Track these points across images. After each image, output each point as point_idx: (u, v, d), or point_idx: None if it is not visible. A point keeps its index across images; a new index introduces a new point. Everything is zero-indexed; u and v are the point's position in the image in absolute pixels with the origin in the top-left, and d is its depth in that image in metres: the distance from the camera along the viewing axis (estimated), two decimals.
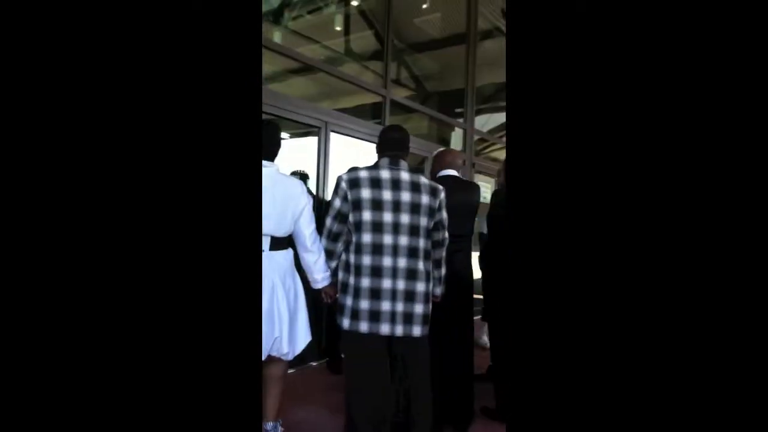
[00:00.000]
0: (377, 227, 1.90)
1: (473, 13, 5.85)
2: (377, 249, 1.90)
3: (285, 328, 2.00)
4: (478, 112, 5.99)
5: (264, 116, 3.24)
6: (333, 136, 3.87)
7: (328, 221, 1.98)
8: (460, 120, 5.76)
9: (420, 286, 1.95)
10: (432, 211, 1.99)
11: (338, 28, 5.10)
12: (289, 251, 2.07)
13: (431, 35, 5.85)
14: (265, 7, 4.28)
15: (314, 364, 3.61)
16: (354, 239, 1.94)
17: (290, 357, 2.07)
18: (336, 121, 3.90)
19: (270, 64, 3.89)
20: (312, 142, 3.92)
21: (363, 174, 1.95)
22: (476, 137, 5.93)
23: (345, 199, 1.93)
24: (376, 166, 1.99)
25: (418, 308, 1.95)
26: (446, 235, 2.10)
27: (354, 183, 1.93)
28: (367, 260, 1.91)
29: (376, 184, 1.92)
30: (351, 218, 1.94)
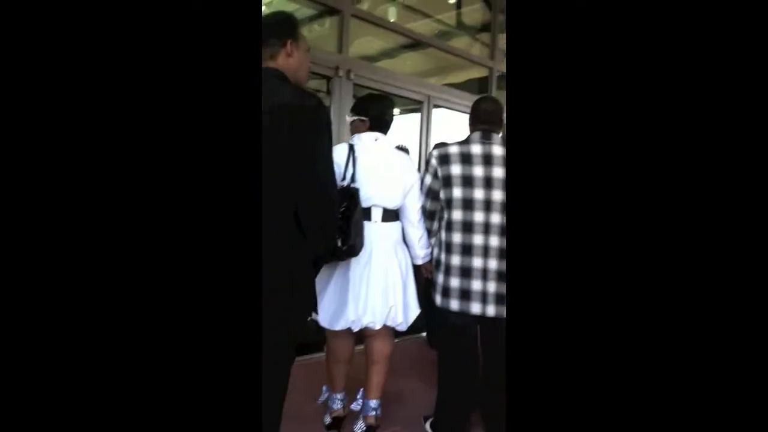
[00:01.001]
0: (468, 204, 1.86)
1: None
2: (467, 227, 1.86)
3: (399, 297, 2.01)
4: None
5: (370, 92, 3.29)
6: (437, 110, 3.83)
7: (422, 199, 1.98)
8: None
9: None
10: None
11: (451, 1, 4.99)
12: (398, 223, 2.08)
13: None
14: None
15: (413, 337, 3.66)
16: (446, 216, 1.92)
17: (404, 327, 2.07)
18: (439, 95, 3.84)
19: (382, 41, 3.92)
20: (415, 118, 3.91)
21: (453, 149, 1.90)
22: None
23: (435, 175, 1.91)
24: (467, 141, 1.93)
25: None
26: None
27: (444, 159, 1.89)
28: (457, 238, 1.88)
29: (466, 159, 1.87)
30: (442, 195, 1.91)
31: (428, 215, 2.00)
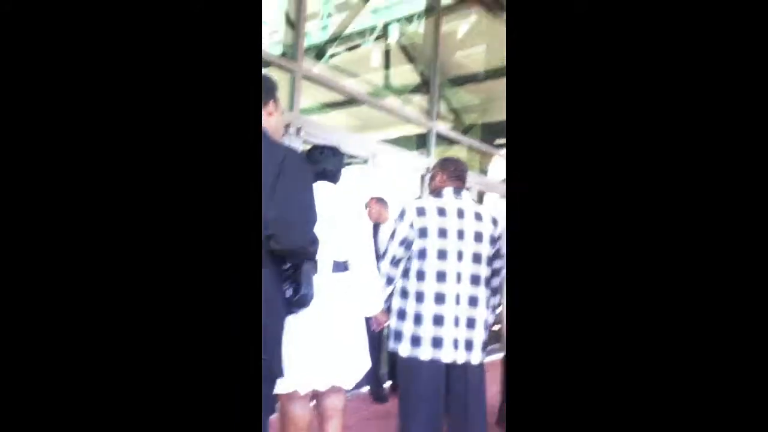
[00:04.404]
0: (442, 254, 1.95)
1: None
2: (441, 276, 1.94)
3: (354, 352, 1.96)
4: None
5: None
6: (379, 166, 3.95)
7: (393, 247, 2.02)
8: (503, 151, 5.79)
9: (481, 313, 1.99)
10: (494, 240, 2.05)
11: (376, 64, 5.25)
12: (348, 273, 2.03)
13: (472, 69, 5.96)
14: (307, 43, 4.45)
15: (353, 392, 3.57)
16: (416, 266, 1.98)
17: (352, 384, 2.01)
18: (381, 152, 3.98)
19: (311, 98, 4.01)
20: (350, 171, 4.00)
21: (430, 203, 2.01)
22: None
23: (411, 226, 1.98)
24: (440, 195, 2.05)
25: (479, 335, 1.98)
26: (504, 263, 2.13)
27: (421, 211, 1.99)
28: (431, 287, 1.94)
29: (442, 212, 1.98)
30: (416, 245, 1.98)
31: (395, 263, 2.03)
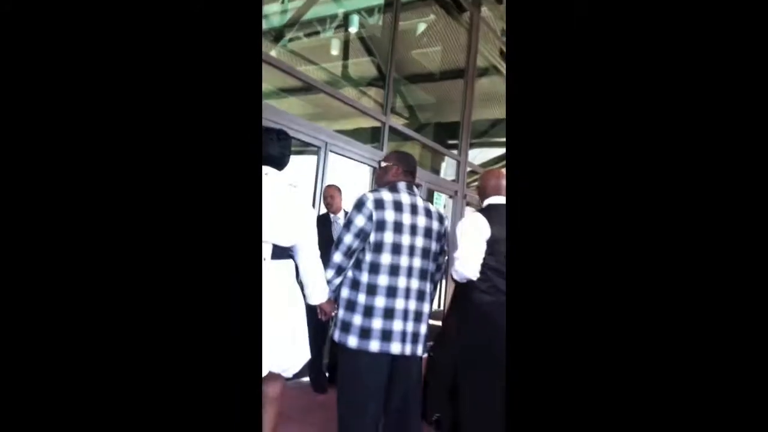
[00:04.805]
0: (396, 249, 1.96)
1: (473, 49, 6.02)
2: (394, 270, 1.96)
3: (292, 340, 1.94)
4: (471, 145, 6.13)
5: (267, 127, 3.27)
6: (331, 156, 3.93)
7: (348, 238, 1.99)
8: (454, 152, 5.89)
9: (426, 307, 2.05)
10: (440, 236, 2.11)
11: (335, 53, 5.22)
12: (290, 261, 2.01)
13: (428, 68, 6.02)
14: (265, 26, 4.37)
15: (293, 381, 3.57)
16: (369, 258, 1.97)
17: (290, 374, 2.00)
18: (336, 142, 3.96)
19: (267, 83, 3.94)
20: (304, 160, 3.97)
21: (387, 196, 2.01)
22: (468, 169, 6.06)
23: (370, 218, 1.97)
24: (396, 190, 2.05)
25: (423, 328, 2.04)
26: (446, 259, 2.22)
27: (380, 204, 1.98)
28: (383, 280, 1.96)
29: (398, 207, 2.00)
30: (372, 238, 1.97)
31: (349, 254, 2.01)
